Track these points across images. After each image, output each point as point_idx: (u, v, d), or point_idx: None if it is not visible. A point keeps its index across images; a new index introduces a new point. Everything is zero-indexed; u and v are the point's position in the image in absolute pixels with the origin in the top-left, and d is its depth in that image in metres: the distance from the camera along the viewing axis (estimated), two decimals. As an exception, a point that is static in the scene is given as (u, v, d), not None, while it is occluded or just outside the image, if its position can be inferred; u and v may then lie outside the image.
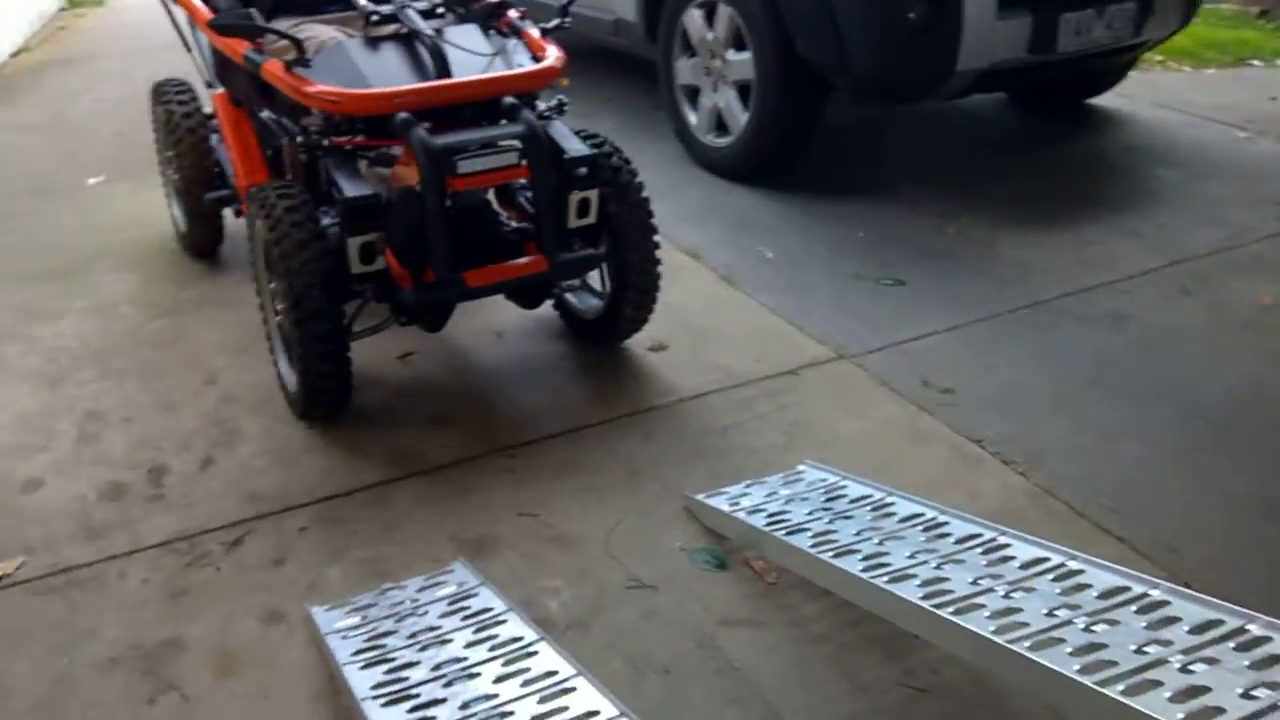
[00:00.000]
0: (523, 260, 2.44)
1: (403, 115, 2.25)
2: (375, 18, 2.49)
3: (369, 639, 1.76)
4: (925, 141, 4.60)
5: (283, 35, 2.33)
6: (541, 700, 1.47)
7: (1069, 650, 1.27)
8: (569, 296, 2.86)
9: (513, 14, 2.66)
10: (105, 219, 3.86)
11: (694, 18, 4.08)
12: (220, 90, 2.97)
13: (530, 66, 2.48)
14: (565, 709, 1.43)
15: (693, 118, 4.26)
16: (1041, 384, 2.67)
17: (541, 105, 2.53)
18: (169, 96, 3.20)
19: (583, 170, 2.41)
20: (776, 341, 2.90)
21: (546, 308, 2.93)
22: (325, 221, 2.37)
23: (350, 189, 2.26)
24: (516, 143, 2.27)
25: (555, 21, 2.62)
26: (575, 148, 2.42)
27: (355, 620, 1.85)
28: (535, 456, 2.40)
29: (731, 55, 3.93)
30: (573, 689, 1.48)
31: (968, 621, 1.39)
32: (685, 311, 3.05)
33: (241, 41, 2.51)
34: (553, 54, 2.51)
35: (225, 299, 3.15)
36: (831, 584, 1.76)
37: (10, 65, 6.67)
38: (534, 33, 2.60)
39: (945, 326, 2.97)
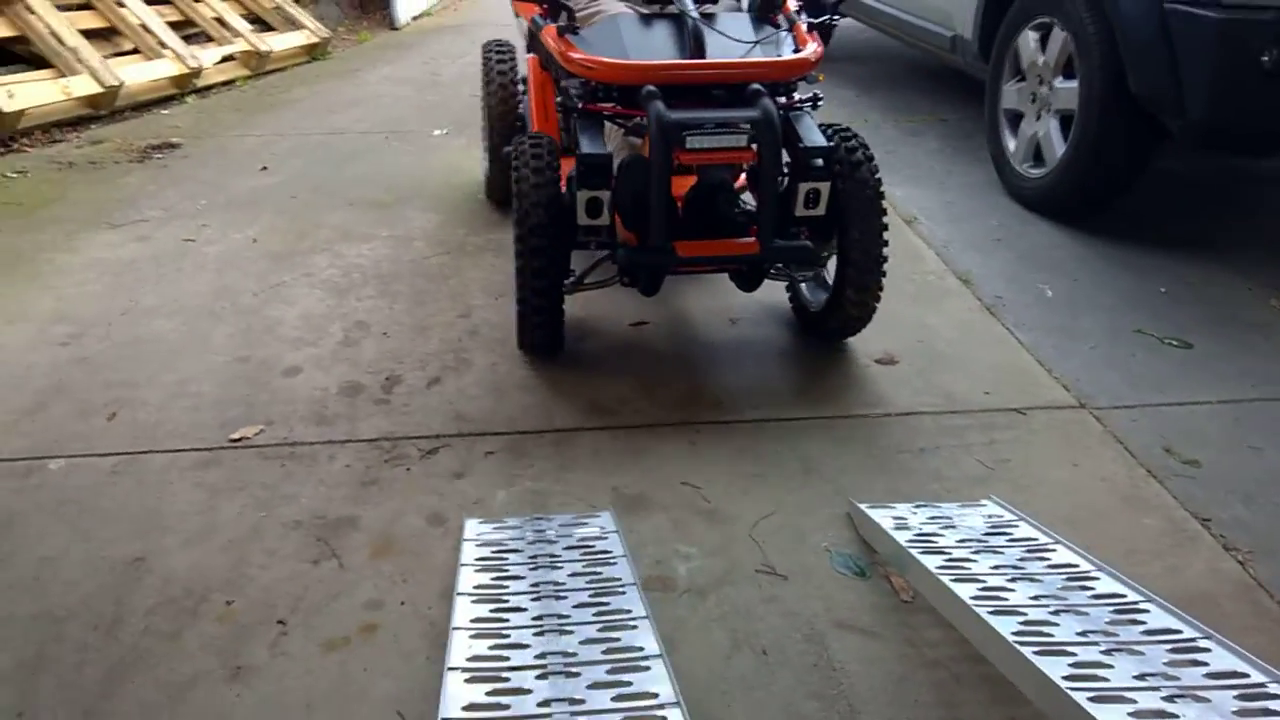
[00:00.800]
0: (738, 240, 2.48)
1: (649, 88, 2.35)
2: None
3: (496, 551, 1.88)
4: (1281, 206, 4.10)
5: (562, 6, 2.52)
6: (602, 629, 1.51)
7: (1130, 712, 1.14)
8: (802, 288, 2.85)
9: (792, 4, 2.69)
10: (433, 165, 4.31)
11: (1028, 40, 3.89)
12: (531, 55, 3.24)
13: (783, 58, 2.50)
14: (618, 640, 1.47)
15: (1011, 144, 4.07)
16: (1312, 479, 2.33)
17: (797, 96, 2.54)
18: (491, 53, 3.53)
19: (818, 161, 2.42)
20: (1017, 378, 2.73)
21: (783, 302, 2.95)
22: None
23: (586, 147, 2.41)
24: (748, 126, 2.31)
25: (825, 17, 2.62)
26: (814, 139, 2.44)
27: (497, 536, 1.98)
28: (718, 436, 2.42)
29: (1059, 83, 3.72)
30: (634, 627, 1.51)
31: (1041, 661, 1.27)
32: (931, 333, 2.94)
33: (533, 7, 2.73)
34: (809, 49, 2.52)
35: (502, 247, 3.42)
36: (940, 604, 1.66)
37: (410, 27, 7.58)
38: (804, 26, 2.62)
39: (1220, 399, 2.66)
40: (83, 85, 4.83)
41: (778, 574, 1.97)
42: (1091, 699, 1.16)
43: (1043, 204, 3.87)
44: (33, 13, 4.96)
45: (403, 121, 5.02)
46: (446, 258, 3.39)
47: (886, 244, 2.58)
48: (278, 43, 6.31)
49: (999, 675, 1.67)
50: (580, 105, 2.48)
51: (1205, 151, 3.88)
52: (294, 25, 6.65)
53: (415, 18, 7.96)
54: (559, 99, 2.59)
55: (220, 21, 6.16)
